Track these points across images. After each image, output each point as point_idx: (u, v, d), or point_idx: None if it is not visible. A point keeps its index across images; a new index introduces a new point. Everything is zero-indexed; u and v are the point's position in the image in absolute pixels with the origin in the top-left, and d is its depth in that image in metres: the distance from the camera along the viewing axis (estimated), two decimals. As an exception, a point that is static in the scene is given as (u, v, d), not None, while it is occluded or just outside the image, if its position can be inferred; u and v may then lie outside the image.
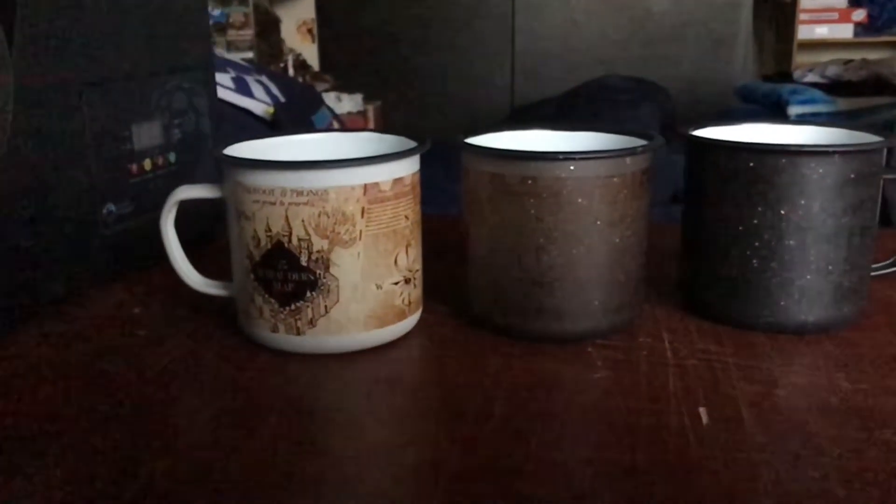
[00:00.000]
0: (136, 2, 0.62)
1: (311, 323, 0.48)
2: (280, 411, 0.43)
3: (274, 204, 0.47)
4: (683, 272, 0.57)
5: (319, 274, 0.48)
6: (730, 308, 0.52)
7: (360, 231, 0.48)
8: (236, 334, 0.52)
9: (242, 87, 2.26)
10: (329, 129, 2.29)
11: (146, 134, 0.64)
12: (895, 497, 0.35)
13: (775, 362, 0.48)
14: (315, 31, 3.79)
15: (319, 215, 0.47)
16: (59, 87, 0.55)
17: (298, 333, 0.49)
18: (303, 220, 0.47)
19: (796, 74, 2.75)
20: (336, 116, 2.70)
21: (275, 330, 0.49)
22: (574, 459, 0.39)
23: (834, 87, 2.51)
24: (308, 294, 0.48)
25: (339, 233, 0.47)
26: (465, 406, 0.44)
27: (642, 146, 0.49)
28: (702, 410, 0.43)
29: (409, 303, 0.51)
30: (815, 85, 2.54)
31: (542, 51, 3.69)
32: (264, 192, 0.47)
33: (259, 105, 2.26)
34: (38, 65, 0.53)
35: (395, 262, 0.50)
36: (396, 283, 0.50)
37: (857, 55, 3.15)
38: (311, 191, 0.46)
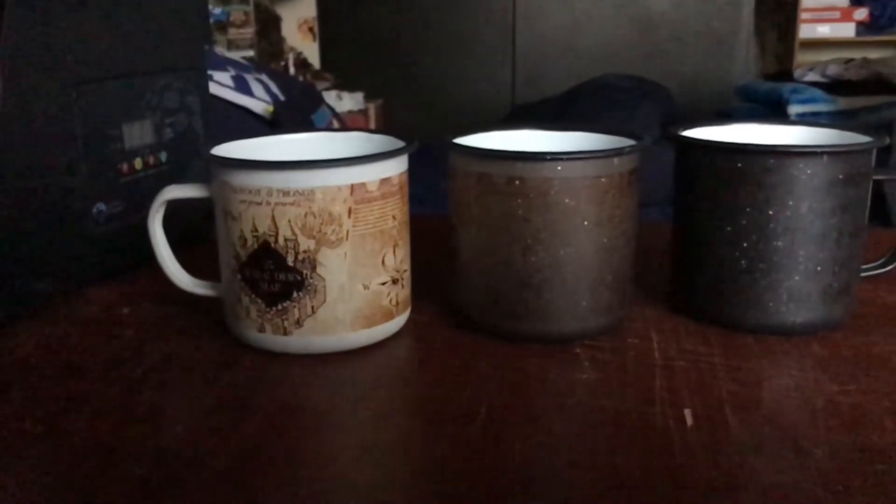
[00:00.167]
0: (127, 0, 0.62)
1: (298, 323, 0.48)
2: (265, 411, 0.43)
3: (260, 204, 0.47)
4: (673, 273, 0.56)
5: (306, 274, 0.48)
6: (718, 309, 0.52)
7: (347, 231, 0.48)
8: (224, 334, 0.52)
9: (242, 86, 2.26)
10: (329, 127, 2.29)
11: (137, 133, 0.64)
12: (877, 500, 0.35)
13: (762, 363, 0.48)
14: (316, 29, 3.79)
15: (306, 215, 0.47)
16: (48, 86, 0.55)
17: (285, 334, 0.49)
18: (289, 221, 0.47)
19: (797, 73, 2.74)
20: (336, 115, 2.70)
21: (261, 330, 0.49)
22: (558, 460, 0.38)
23: (834, 87, 2.50)
24: (295, 294, 0.48)
25: (325, 233, 0.47)
26: (451, 407, 0.44)
27: (630, 146, 0.49)
28: (686, 412, 0.42)
29: (397, 303, 0.51)
30: (815, 84, 2.53)
31: (543, 50, 3.68)
32: (251, 191, 0.47)
33: (259, 104, 2.26)
34: (27, 63, 0.53)
35: (383, 262, 0.50)
36: (384, 284, 0.50)
37: (858, 54, 3.14)
38: (297, 191, 0.46)
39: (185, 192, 0.51)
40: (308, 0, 3.77)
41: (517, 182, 0.48)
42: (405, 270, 0.52)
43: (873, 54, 3.09)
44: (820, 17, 3.56)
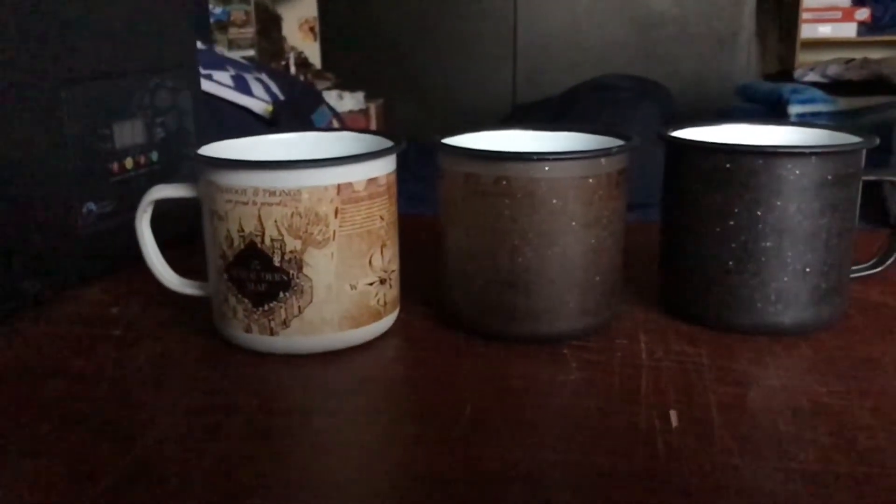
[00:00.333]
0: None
1: (285, 323, 0.48)
2: (250, 412, 0.43)
3: (246, 204, 0.47)
4: (662, 273, 0.56)
5: (292, 274, 0.47)
6: (707, 310, 0.52)
7: (334, 231, 0.47)
8: (212, 334, 0.52)
9: (242, 86, 2.26)
10: (329, 127, 2.29)
11: (128, 132, 0.64)
12: (861, 500, 0.35)
13: (750, 364, 0.48)
14: (317, 29, 3.79)
15: (292, 215, 0.47)
16: (37, 85, 0.55)
17: (272, 334, 0.48)
18: (275, 221, 0.47)
19: (797, 73, 2.74)
20: (337, 115, 2.70)
21: (248, 330, 0.49)
22: (541, 461, 0.38)
23: (835, 87, 2.50)
24: (281, 294, 0.48)
25: (312, 233, 0.47)
26: (437, 407, 0.44)
27: (618, 147, 0.49)
28: (672, 413, 0.42)
29: (385, 303, 0.51)
30: (815, 84, 2.53)
31: (544, 49, 3.68)
32: (237, 191, 0.47)
33: (258, 103, 2.26)
34: (15, 62, 0.53)
35: (370, 262, 0.49)
36: (371, 284, 0.50)
37: (860, 54, 3.13)
38: (283, 191, 0.46)
39: (173, 191, 0.51)
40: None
41: (504, 182, 0.48)
42: (393, 271, 0.52)
43: (875, 54, 3.08)
44: (821, 18, 3.55)
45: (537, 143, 0.56)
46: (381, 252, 0.50)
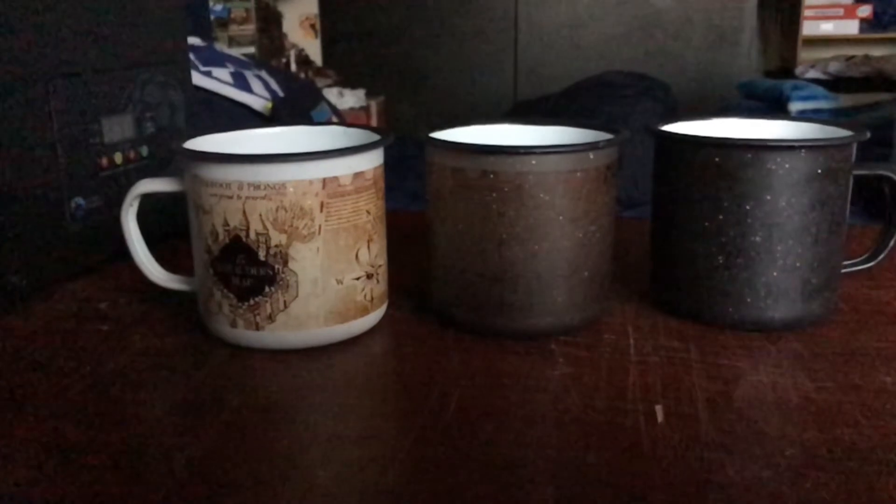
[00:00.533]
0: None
1: (270, 318, 0.48)
2: (233, 407, 0.43)
3: (231, 198, 0.46)
4: (652, 268, 0.56)
5: (278, 269, 0.47)
6: (697, 305, 0.52)
7: (320, 226, 0.47)
8: (199, 330, 0.52)
9: (241, 83, 2.26)
10: (329, 123, 2.29)
11: (117, 127, 0.63)
12: (844, 497, 0.35)
13: (739, 360, 0.47)
14: (318, 26, 3.79)
15: (277, 209, 0.46)
16: (24, 79, 0.55)
17: (257, 329, 0.48)
18: (260, 215, 0.46)
19: (798, 70, 2.73)
20: (337, 112, 2.70)
21: (234, 325, 0.49)
22: (524, 457, 0.38)
23: (836, 84, 2.49)
24: (266, 289, 0.47)
25: (297, 227, 0.47)
26: (421, 402, 0.43)
27: (605, 141, 0.48)
28: (658, 408, 0.42)
29: (372, 298, 0.51)
30: (817, 81, 2.52)
31: (546, 46, 3.68)
32: (221, 185, 0.46)
33: (258, 100, 2.26)
34: (2, 56, 0.53)
35: (357, 257, 0.49)
36: (358, 279, 0.49)
37: (862, 51, 3.12)
38: (268, 185, 0.46)
39: (159, 185, 0.51)
40: (310, -3, 3.77)
41: (491, 176, 0.47)
42: (381, 265, 0.51)
43: (876, 52, 3.08)
44: (823, 15, 3.54)
45: (526, 137, 0.56)
46: (368, 246, 0.50)
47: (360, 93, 3.50)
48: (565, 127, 0.55)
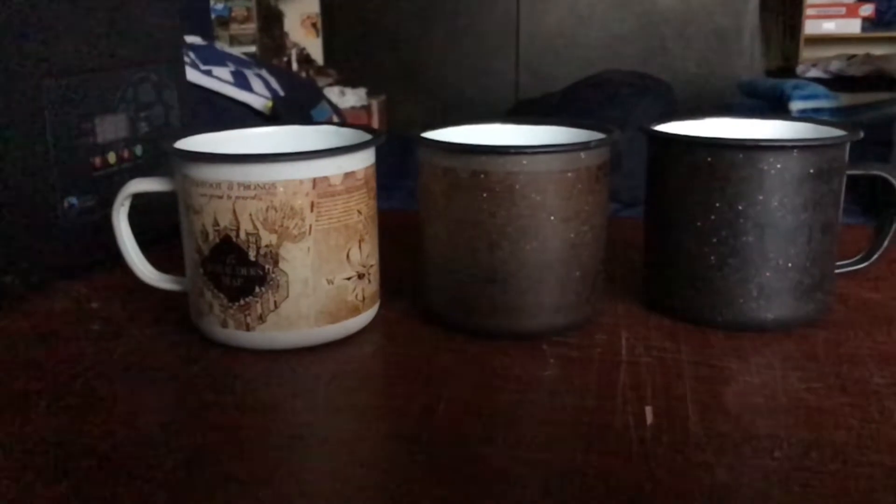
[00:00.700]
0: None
1: (261, 318, 0.48)
2: (223, 407, 0.43)
3: (221, 198, 0.46)
4: (645, 268, 0.56)
5: (268, 269, 0.47)
6: (689, 305, 0.52)
7: (310, 226, 0.47)
8: (190, 330, 0.52)
9: (241, 82, 2.26)
10: (329, 122, 2.28)
11: (111, 127, 0.63)
12: (833, 499, 0.34)
13: (730, 361, 0.47)
14: (319, 25, 3.79)
15: (267, 209, 0.46)
16: (16, 78, 0.55)
17: (248, 329, 0.48)
18: (250, 214, 0.46)
19: (799, 69, 2.72)
20: (337, 111, 2.69)
21: (224, 325, 0.48)
22: (511, 459, 0.38)
23: (837, 83, 2.49)
24: (257, 289, 0.47)
25: (287, 227, 0.47)
26: (410, 404, 0.43)
27: (596, 140, 0.48)
28: (647, 409, 0.42)
29: (364, 298, 0.51)
30: (818, 80, 2.52)
31: (547, 45, 3.67)
32: (211, 185, 0.46)
33: (258, 99, 2.26)
34: (-7, 57, 0.53)
35: (348, 257, 0.49)
36: (349, 279, 0.49)
37: (864, 50, 3.11)
38: (258, 184, 0.46)
39: (150, 185, 0.51)
40: (311, -4, 3.77)
41: (482, 176, 0.47)
42: (372, 265, 0.51)
43: (879, 50, 3.07)
44: (825, 14, 3.54)
45: (518, 137, 0.56)
46: (360, 246, 0.50)
47: (362, 92, 3.49)
48: (558, 126, 0.55)
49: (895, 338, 0.50)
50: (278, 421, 0.42)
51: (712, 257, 0.50)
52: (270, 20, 3.39)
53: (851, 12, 3.52)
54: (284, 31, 3.57)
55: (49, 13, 0.57)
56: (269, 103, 2.24)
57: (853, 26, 3.52)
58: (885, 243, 0.54)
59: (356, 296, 0.50)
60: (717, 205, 0.49)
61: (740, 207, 0.48)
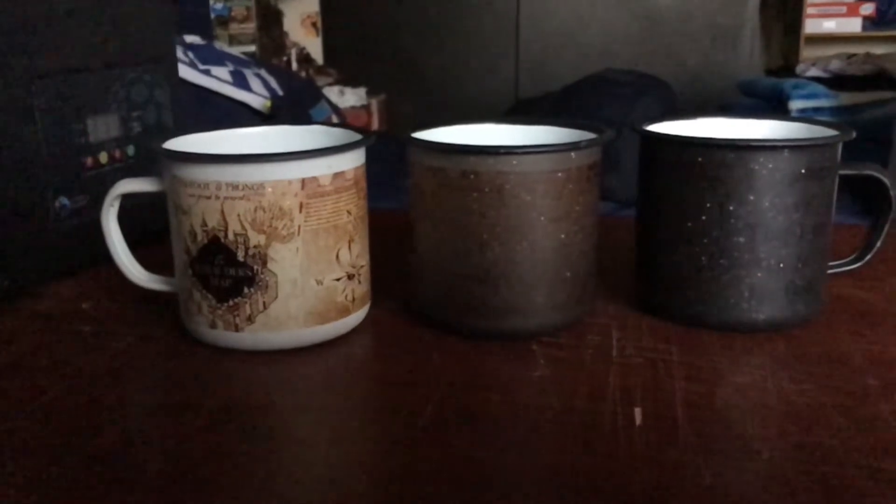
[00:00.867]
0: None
1: (250, 319, 0.48)
2: (211, 408, 0.43)
3: (209, 198, 0.46)
4: (637, 269, 0.55)
5: (257, 269, 0.47)
6: (681, 306, 0.51)
7: (299, 226, 0.47)
8: (180, 331, 0.52)
9: (240, 81, 2.26)
10: (328, 122, 2.28)
11: (102, 126, 0.63)
12: (822, 500, 0.34)
13: (721, 361, 0.47)
14: (319, 24, 3.78)
15: (256, 210, 0.46)
16: (7, 79, 0.55)
17: (237, 330, 0.48)
18: (239, 215, 0.46)
19: (799, 69, 2.71)
20: (337, 110, 2.69)
21: (213, 326, 0.48)
22: (500, 459, 0.38)
23: (837, 82, 2.48)
24: (245, 290, 0.47)
25: (276, 227, 0.46)
26: (398, 405, 0.43)
27: (587, 140, 0.48)
28: (637, 410, 0.42)
29: (354, 299, 0.50)
30: (817, 79, 2.51)
31: (547, 44, 3.67)
32: (199, 185, 0.46)
33: (257, 98, 2.26)
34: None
35: (337, 257, 0.49)
36: (339, 279, 0.49)
37: (865, 50, 3.11)
38: (246, 185, 0.46)
39: (139, 185, 0.51)
40: (311, -5, 3.76)
41: (472, 176, 0.47)
42: (362, 266, 0.51)
43: (879, 50, 3.06)
44: (826, 13, 3.53)
45: (509, 136, 0.56)
46: (349, 247, 0.49)
47: (361, 91, 3.49)
48: (550, 126, 0.55)
49: (887, 339, 0.50)
50: (265, 423, 0.42)
51: (703, 258, 0.50)
52: (270, 19, 3.39)
53: (852, 11, 3.51)
54: (284, 30, 3.56)
55: (40, 12, 0.57)
56: (268, 103, 2.24)
57: (854, 25, 3.51)
58: (879, 243, 0.53)
59: (346, 296, 0.50)
60: (708, 205, 0.49)
61: (731, 208, 0.48)
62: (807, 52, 3.45)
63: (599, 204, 0.51)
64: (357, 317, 0.51)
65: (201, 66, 2.21)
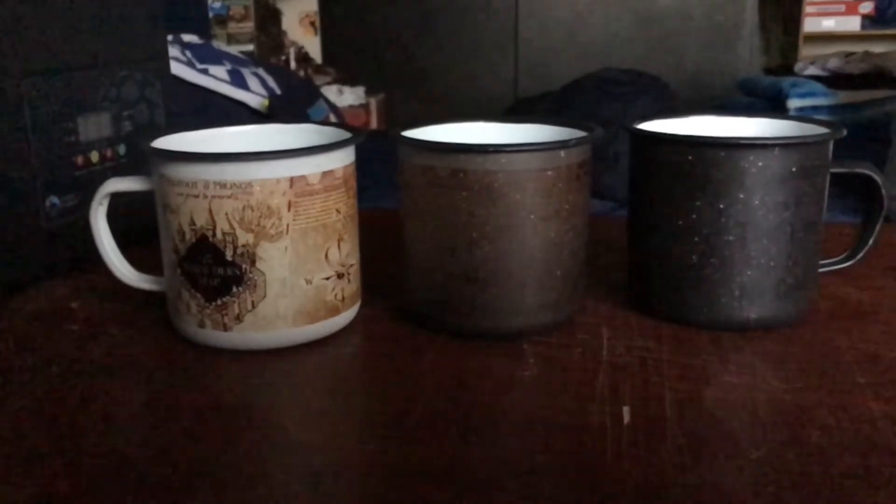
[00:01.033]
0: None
1: (238, 318, 0.47)
2: (197, 408, 0.43)
3: (197, 197, 0.46)
4: (628, 268, 0.55)
5: (245, 269, 0.47)
6: (671, 305, 0.51)
7: (287, 225, 0.47)
8: (169, 330, 0.51)
9: (238, 80, 2.26)
10: (326, 121, 2.28)
11: (93, 126, 0.63)
12: (809, 499, 0.34)
13: (711, 360, 0.47)
14: (317, 23, 3.78)
15: (244, 209, 0.46)
16: (-5, 78, 0.55)
17: (225, 329, 0.48)
18: (227, 214, 0.46)
19: (797, 67, 2.72)
20: (335, 109, 2.69)
21: (202, 325, 0.48)
22: (488, 458, 0.38)
23: (835, 80, 2.48)
24: (234, 289, 0.47)
25: (264, 227, 0.46)
26: (385, 405, 0.43)
27: (576, 139, 0.48)
28: (625, 409, 0.41)
29: (343, 298, 0.50)
30: (816, 78, 2.51)
31: (546, 44, 3.67)
32: (187, 184, 0.46)
33: (254, 97, 2.25)
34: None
35: (326, 256, 0.49)
36: (328, 279, 0.49)
37: (864, 48, 3.11)
38: (234, 184, 0.45)
39: (128, 184, 0.50)
40: (309, -6, 3.76)
41: (461, 175, 0.47)
42: (352, 265, 0.51)
43: (878, 48, 3.06)
44: (825, 11, 3.53)
45: (500, 135, 0.55)
46: (339, 246, 0.49)
47: (360, 90, 3.49)
48: (540, 125, 0.55)
49: (878, 337, 0.50)
50: (255, 422, 0.41)
51: (694, 256, 0.49)
52: (268, 18, 3.39)
53: (851, 10, 3.51)
54: (282, 29, 3.56)
55: (30, 10, 0.57)
56: (266, 102, 2.24)
57: (853, 24, 3.51)
58: (870, 242, 0.53)
59: (335, 296, 0.50)
60: (699, 203, 0.48)
61: (722, 206, 0.48)
62: (806, 51, 3.45)
63: (590, 202, 0.51)
64: (347, 316, 0.51)
65: (199, 66, 2.21)
